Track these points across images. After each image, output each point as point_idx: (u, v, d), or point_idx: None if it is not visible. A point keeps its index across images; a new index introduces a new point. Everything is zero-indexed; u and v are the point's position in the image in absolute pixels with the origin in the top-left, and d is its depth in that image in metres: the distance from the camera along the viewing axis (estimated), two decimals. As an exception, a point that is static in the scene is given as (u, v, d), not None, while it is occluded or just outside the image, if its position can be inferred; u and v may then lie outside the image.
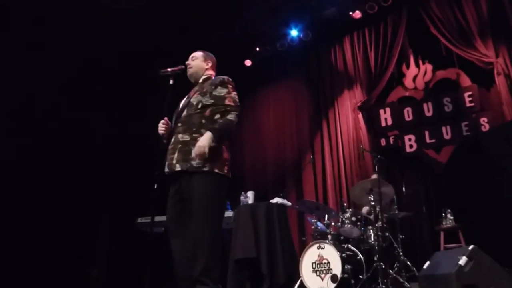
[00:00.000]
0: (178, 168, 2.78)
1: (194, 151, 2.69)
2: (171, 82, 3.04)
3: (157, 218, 4.68)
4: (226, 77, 3.01)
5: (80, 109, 6.21)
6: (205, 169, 2.73)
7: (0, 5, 5.27)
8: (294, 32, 7.31)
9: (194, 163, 2.73)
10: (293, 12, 6.99)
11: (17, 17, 5.46)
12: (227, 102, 2.88)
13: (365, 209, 4.97)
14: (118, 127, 6.57)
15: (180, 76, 3.12)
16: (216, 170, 2.75)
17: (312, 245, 4.36)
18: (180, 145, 2.82)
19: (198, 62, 3.14)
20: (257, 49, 7.66)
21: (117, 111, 6.60)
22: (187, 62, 3.14)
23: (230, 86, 2.96)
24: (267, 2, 6.65)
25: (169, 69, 3.07)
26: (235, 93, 2.95)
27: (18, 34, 5.48)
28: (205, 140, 2.69)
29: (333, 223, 4.85)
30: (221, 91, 2.92)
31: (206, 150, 2.67)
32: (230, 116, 2.83)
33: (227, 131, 2.83)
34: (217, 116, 2.87)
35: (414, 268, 4.46)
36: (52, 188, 5.71)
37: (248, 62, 7.81)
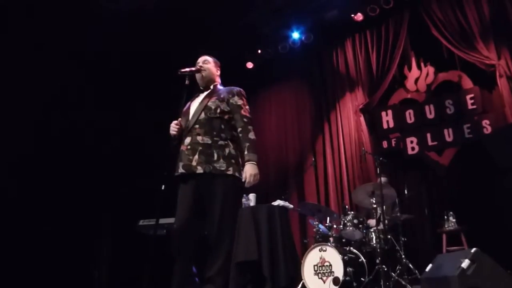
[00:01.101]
0: (199, 170, 2.80)
1: (248, 181, 2.80)
2: (187, 82, 3.07)
3: (160, 221, 4.67)
4: (241, 89, 3.11)
5: (81, 110, 6.21)
6: (229, 172, 2.80)
7: (2, 5, 5.28)
8: (295, 35, 7.30)
9: (217, 165, 2.80)
10: (295, 14, 6.99)
11: (17, 17, 5.48)
12: (242, 112, 2.97)
13: (372, 222, 4.96)
14: (120, 129, 6.56)
15: (193, 77, 3.14)
16: (237, 174, 2.83)
17: (314, 248, 4.36)
18: (200, 147, 2.85)
19: (210, 67, 3.18)
20: (259, 51, 7.67)
21: (119, 111, 6.59)
22: (199, 65, 3.16)
23: (244, 99, 3.06)
24: (269, 5, 6.65)
25: (187, 69, 3.09)
26: (247, 106, 3.05)
27: (18, 34, 5.49)
28: (252, 170, 2.80)
29: (335, 226, 4.86)
30: (237, 100, 3.01)
31: (258, 177, 2.83)
32: (251, 135, 2.91)
33: (255, 150, 2.91)
34: (233, 122, 2.96)
35: (416, 271, 4.44)
36: (55, 189, 5.71)
37: (249, 65, 7.82)
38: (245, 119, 2.94)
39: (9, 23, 5.44)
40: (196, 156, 2.83)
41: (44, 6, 5.46)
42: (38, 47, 5.63)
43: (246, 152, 2.85)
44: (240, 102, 3.00)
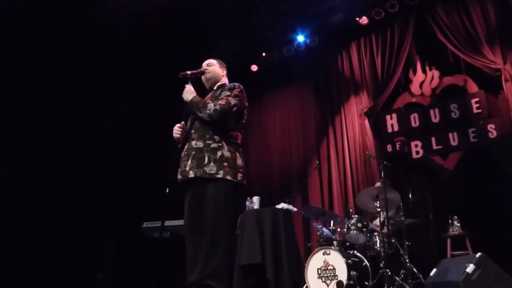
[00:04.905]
0: (191, 175, 2.80)
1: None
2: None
3: (165, 223, 4.67)
4: (237, 84, 3.04)
5: (85, 113, 6.24)
6: (218, 176, 2.76)
7: (10, 8, 5.33)
8: (300, 38, 7.31)
9: (207, 169, 2.77)
10: (300, 17, 7.01)
11: (25, 21, 5.53)
12: (220, 101, 2.88)
13: (376, 222, 4.95)
14: (124, 132, 6.58)
15: (198, 81, 3.15)
16: (229, 177, 2.78)
17: (317, 251, 4.35)
18: (194, 152, 2.85)
19: (215, 68, 3.17)
20: (264, 54, 7.68)
21: (124, 114, 6.62)
22: (203, 68, 3.16)
23: (235, 91, 2.96)
24: (274, 8, 6.67)
25: (188, 72, 3.08)
26: (236, 99, 2.92)
27: (26, 37, 5.53)
28: (188, 91, 2.99)
29: (338, 229, 4.85)
30: (224, 93, 2.95)
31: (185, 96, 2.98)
32: (210, 106, 2.85)
33: (195, 107, 2.91)
34: (227, 124, 2.90)
35: (421, 275, 4.43)
36: (60, 192, 5.74)
37: (254, 67, 7.82)
38: (216, 106, 2.84)
39: (19, 28, 5.48)
40: (189, 161, 2.83)
41: (52, 10, 5.51)
42: (46, 49, 5.67)
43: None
44: (226, 94, 2.93)
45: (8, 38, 5.33)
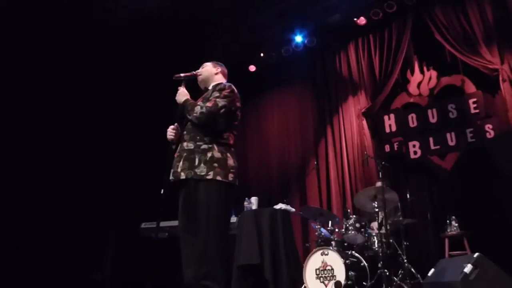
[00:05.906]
0: (182, 176, 2.82)
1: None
2: (183, 86, 3.07)
3: (162, 224, 4.68)
4: (228, 84, 3.03)
5: (84, 115, 6.22)
6: (208, 177, 2.77)
7: (9, 8, 5.32)
8: (298, 38, 7.30)
9: (198, 171, 2.78)
10: (298, 18, 7.00)
11: (22, 21, 5.53)
12: (208, 103, 2.88)
13: (374, 225, 4.96)
14: (121, 133, 6.57)
15: (193, 82, 3.15)
16: (219, 178, 2.78)
17: (315, 252, 4.36)
18: (185, 153, 2.86)
19: (207, 68, 3.19)
20: (261, 54, 7.67)
21: (122, 115, 6.60)
22: (197, 71, 3.17)
23: (225, 92, 2.93)
24: (272, 8, 6.68)
25: (182, 74, 3.09)
26: (225, 100, 2.89)
27: (22, 37, 5.52)
28: (181, 93, 3.00)
29: (337, 230, 4.86)
30: (213, 94, 2.94)
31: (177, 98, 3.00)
32: (197, 108, 2.85)
33: (186, 109, 2.93)
34: (217, 125, 2.89)
35: (419, 276, 4.43)
36: (60, 193, 5.73)
37: (252, 68, 7.82)
38: (203, 108, 2.84)
39: (19, 28, 5.47)
40: (181, 163, 2.85)
41: (52, 10, 5.50)
42: (45, 49, 5.66)
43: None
44: (215, 95, 2.92)
45: (7, 38, 5.32)
